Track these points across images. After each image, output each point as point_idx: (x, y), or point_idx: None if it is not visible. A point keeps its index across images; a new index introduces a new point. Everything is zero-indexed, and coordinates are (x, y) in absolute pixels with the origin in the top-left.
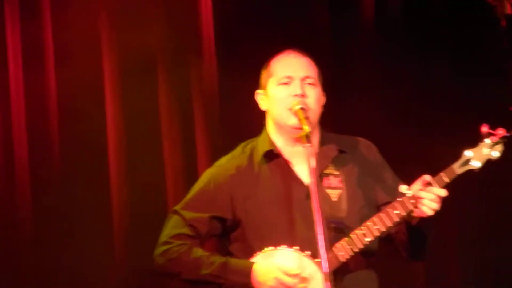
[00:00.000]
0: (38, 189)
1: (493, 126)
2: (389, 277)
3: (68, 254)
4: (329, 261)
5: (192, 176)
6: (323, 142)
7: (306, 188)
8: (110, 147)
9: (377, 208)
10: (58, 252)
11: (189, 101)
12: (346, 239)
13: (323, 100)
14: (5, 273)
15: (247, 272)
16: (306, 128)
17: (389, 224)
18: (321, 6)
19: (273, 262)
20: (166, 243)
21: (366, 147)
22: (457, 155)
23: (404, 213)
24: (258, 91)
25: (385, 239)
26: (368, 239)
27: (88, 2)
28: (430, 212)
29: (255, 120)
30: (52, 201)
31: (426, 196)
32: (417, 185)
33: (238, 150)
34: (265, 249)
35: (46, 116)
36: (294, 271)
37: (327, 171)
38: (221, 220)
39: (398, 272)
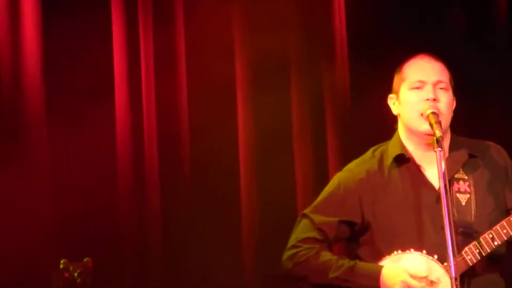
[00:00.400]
0: (167, 194)
1: None
2: None
3: (198, 259)
4: (457, 265)
5: (322, 180)
6: (453, 147)
7: (436, 193)
8: (241, 150)
9: (507, 212)
10: (188, 258)
11: (321, 104)
12: (475, 242)
13: (454, 104)
14: (136, 279)
15: (376, 275)
16: (438, 133)
17: None
18: (454, 8)
19: (401, 266)
20: (294, 247)
21: (496, 152)
22: None
23: None
24: (390, 95)
25: None
26: (497, 243)
27: (221, 6)
28: None
29: (386, 124)
30: (182, 205)
31: None
32: None
33: (368, 154)
34: (394, 252)
35: (177, 121)
36: (422, 274)
37: (457, 175)
38: (350, 224)
39: None
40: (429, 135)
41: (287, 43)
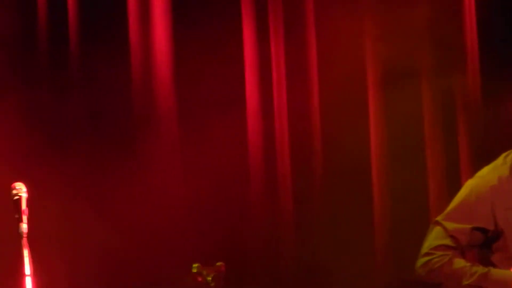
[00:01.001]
0: (299, 199)
1: None
2: None
3: (330, 262)
4: None
5: (454, 186)
6: None
7: None
8: (372, 155)
9: None
10: (320, 260)
11: (452, 108)
12: None
13: None
14: (269, 283)
15: (510, 282)
16: None
17: None
18: None
19: None
20: (427, 254)
21: None
22: None
23: None
24: None
25: None
26: None
27: (352, 13)
28: None
29: None
30: (314, 209)
31: None
32: None
33: (499, 160)
34: None
35: (308, 127)
36: None
37: None
38: (483, 231)
39: None
40: None
41: (418, 49)
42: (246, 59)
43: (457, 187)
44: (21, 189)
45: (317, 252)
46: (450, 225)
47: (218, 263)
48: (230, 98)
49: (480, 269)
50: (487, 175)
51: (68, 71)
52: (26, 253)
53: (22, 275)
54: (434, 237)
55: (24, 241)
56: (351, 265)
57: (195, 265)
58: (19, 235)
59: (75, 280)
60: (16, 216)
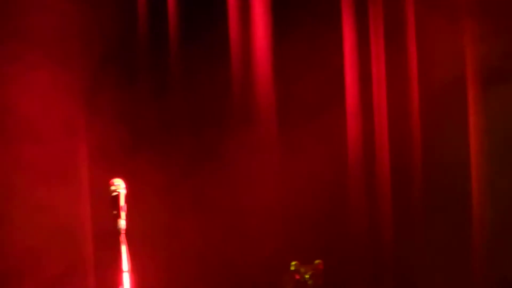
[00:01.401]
0: (398, 198)
1: None
2: None
3: (427, 262)
4: None
5: None
6: None
7: None
8: (472, 154)
9: None
10: (417, 260)
11: None
12: None
13: None
14: (367, 282)
15: None
16: None
17: None
18: None
19: None
20: None
21: None
22: None
23: None
24: None
25: None
26: None
27: (452, 15)
28: None
29: None
30: (412, 209)
31: None
32: None
33: None
34: None
35: (408, 126)
36: None
37: None
38: None
39: None
40: None
41: None
42: (346, 59)
43: None
44: (119, 185)
45: (415, 251)
46: None
47: (316, 261)
48: (330, 97)
49: None
50: None
51: (168, 70)
52: (124, 249)
53: (120, 271)
54: None
55: (122, 237)
56: (447, 266)
57: (293, 263)
58: (117, 231)
59: (173, 277)
60: (115, 212)
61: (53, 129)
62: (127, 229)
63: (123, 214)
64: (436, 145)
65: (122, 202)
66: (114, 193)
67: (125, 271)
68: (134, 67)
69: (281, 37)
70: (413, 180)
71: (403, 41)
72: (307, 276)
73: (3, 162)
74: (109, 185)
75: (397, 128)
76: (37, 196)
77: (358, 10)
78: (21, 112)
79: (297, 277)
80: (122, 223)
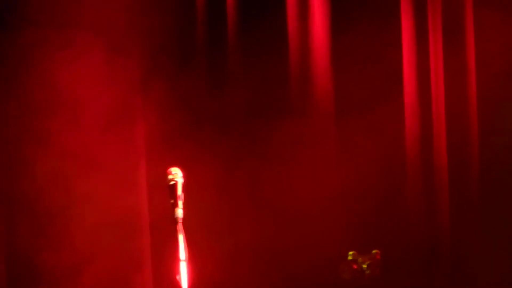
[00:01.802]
0: (456, 191)
1: None
2: None
3: (485, 255)
4: None
5: None
6: None
7: None
8: None
9: None
10: (474, 252)
11: None
12: None
13: None
14: (424, 273)
15: None
16: None
17: None
18: None
19: None
20: None
21: None
22: None
23: None
24: None
25: None
26: None
27: (511, 12)
28: None
29: None
30: (470, 202)
31: None
32: None
33: None
34: None
35: (466, 122)
36: None
37: None
38: None
39: None
40: None
41: None
42: (404, 54)
43: None
44: (177, 174)
45: (472, 241)
46: None
47: (374, 251)
48: (388, 92)
49: None
50: None
51: (225, 60)
52: (181, 238)
53: (177, 260)
54: None
55: (180, 226)
56: (504, 255)
57: (350, 252)
58: (175, 220)
59: (229, 265)
60: (172, 201)
61: (110, 118)
62: (184, 218)
63: (180, 203)
64: (493, 138)
65: (179, 191)
66: (172, 182)
67: (182, 260)
68: (192, 56)
69: (339, 30)
70: (470, 172)
71: (461, 36)
72: (364, 266)
73: (59, 151)
74: (166, 174)
75: (454, 122)
76: (94, 186)
77: (417, 5)
78: (79, 100)
79: (355, 266)
80: (179, 212)
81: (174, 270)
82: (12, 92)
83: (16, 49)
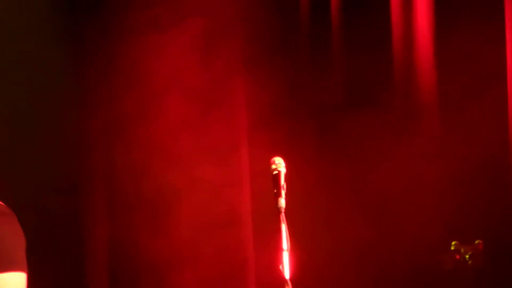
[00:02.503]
0: None
1: None
2: None
3: None
4: None
5: None
6: None
7: None
8: None
9: None
10: None
11: None
12: None
13: None
14: None
15: None
16: None
17: None
18: None
19: None
20: None
21: None
22: None
23: None
24: None
25: None
26: None
27: None
28: None
29: None
30: None
31: None
32: None
33: None
34: None
35: None
36: None
37: None
38: None
39: None
40: None
41: None
42: (508, 49)
43: None
44: (280, 164)
45: None
46: None
47: (477, 241)
48: (490, 81)
49: None
50: None
51: (329, 50)
52: (284, 228)
53: (279, 250)
54: None
55: (282, 216)
56: None
57: (453, 242)
58: (277, 210)
59: (331, 255)
60: (275, 191)
61: (211, 106)
62: (286, 208)
63: (283, 193)
64: None
65: (282, 181)
66: (275, 172)
67: (284, 250)
68: (295, 45)
69: (443, 25)
70: None
71: None
72: (467, 256)
73: (159, 142)
74: (269, 164)
75: None
76: (197, 178)
77: None
78: (182, 85)
79: (457, 257)
80: (282, 202)
81: (277, 260)
82: (118, 76)
83: (121, 31)
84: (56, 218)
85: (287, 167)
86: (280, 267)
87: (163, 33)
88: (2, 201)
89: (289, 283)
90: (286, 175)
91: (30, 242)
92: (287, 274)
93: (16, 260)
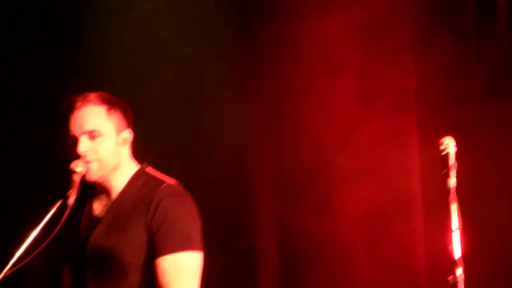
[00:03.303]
0: None
1: None
2: None
3: None
4: None
5: None
6: None
7: None
8: None
9: None
10: None
11: None
12: None
13: None
14: None
15: None
16: None
17: None
18: None
19: None
20: None
21: None
22: None
23: None
24: None
25: None
26: None
27: None
28: None
29: None
30: None
31: None
32: None
33: None
34: None
35: None
36: None
37: None
38: None
39: None
40: None
41: None
42: None
43: None
44: (449, 144)
45: None
46: None
47: None
48: None
49: None
50: None
51: (495, 35)
52: (454, 207)
53: (449, 229)
54: None
55: (452, 196)
56: None
57: None
58: (447, 190)
59: (505, 236)
60: (444, 171)
61: (380, 88)
62: (456, 189)
63: (452, 173)
64: None
65: (451, 161)
66: (444, 152)
67: (455, 230)
68: (462, 25)
69: None
70: None
71: None
72: None
73: (327, 123)
74: (438, 144)
75: None
76: (367, 159)
77: None
78: (349, 67)
79: None
80: (452, 182)
81: (447, 240)
82: (283, 57)
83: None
84: (227, 199)
85: (458, 145)
86: (450, 247)
87: (329, 13)
88: (178, 181)
89: (459, 263)
90: (457, 154)
91: (204, 222)
92: (457, 254)
93: (192, 239)
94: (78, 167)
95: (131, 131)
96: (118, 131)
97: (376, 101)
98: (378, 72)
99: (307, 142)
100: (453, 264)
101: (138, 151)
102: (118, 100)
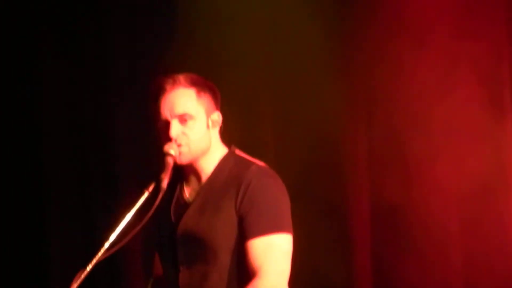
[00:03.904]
0: None
1: None
2: None
3: None
4: None
5: None
6: None
7: None
8: None
9: None
10: None
11: None
12: None
13: None
14: None
15: None
16: None
17: None
18: None
19: None
20: None
21: None
22: None
23: None
24: None
25: None
26: None
27: None
28: None
29: None
30: None
31: None
32: None
33: None
34: None
35: None
36: None
37: None
38: None
39: None
40: None
41: None
42: None
43: None
44: None
45: None
46: None
47: None
48: None
49: None
50: None
51: None
52: None
53: None
54: None
55: None
56: None
57: None
58: None
59: None
60: None
61: (474, 65)
62: None
63: None
64: None
65: None
66: None
67: None
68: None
69: None
70: None
71: None
72: None
73: (419, 103)
74: None
75: None
76: (462, 152)
77: None
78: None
79: None
80: None
81: None
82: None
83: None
84: (319, 183)
85: None
86: None
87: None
88: (268, 164)
89: None
90: None
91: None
92: None
93: (283, 221)
94: (171, 149)
95: (220, 113)
96: (208, 114)
97: (468, 70)
98: (472, 42)
99: (398, 121)
100: None
101: (227, 136)
102: (207, 81)
